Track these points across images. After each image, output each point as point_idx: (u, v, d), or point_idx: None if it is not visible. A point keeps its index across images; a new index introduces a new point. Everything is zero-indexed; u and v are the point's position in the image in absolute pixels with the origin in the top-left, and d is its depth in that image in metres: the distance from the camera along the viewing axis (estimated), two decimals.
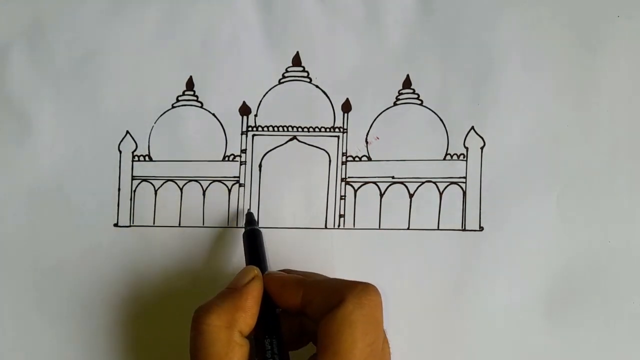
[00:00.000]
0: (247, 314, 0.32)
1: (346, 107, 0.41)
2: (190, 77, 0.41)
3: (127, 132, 0.41)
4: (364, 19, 0.41)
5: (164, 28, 0.41)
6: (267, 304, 0.33)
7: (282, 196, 0.41)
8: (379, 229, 0.40)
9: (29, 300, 0.41)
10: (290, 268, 0.37)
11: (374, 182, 0.40)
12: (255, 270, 0.34)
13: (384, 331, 0.33)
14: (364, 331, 0.30)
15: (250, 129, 0.41)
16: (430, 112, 0.40)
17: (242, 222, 0.40)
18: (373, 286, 0.31)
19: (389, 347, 0.33)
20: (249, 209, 0.40)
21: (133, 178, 0.41)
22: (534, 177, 0.40)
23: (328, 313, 0.30)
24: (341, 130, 0.41)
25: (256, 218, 0.40)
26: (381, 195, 0.40)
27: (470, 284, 0.39)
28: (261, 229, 0.39)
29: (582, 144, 0.40)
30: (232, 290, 0.33)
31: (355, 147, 0.41)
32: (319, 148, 0.41)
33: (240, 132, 0.41)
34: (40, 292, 0.41)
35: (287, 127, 0.41)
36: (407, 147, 0.40)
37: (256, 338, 0.33)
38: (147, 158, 0.41)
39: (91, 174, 0.41)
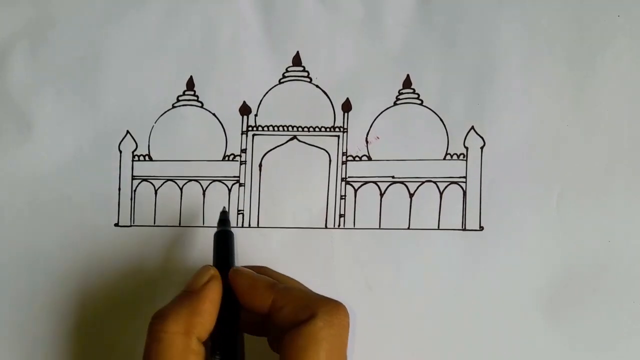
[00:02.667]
0: (205, 318, 0.31)
1: (346, 107, 0.41)
2: (191, 77, 0.41)
3: (128, 132, 0.41)
4: (364, 19, 0.41)
5: (164, 28, 0.41)
6: (229, 303, 0.32)
7: (282, 196, 0.41)
8: (379, 228, 0.40)
9: (28, 300, 0.41)
10: (269, 266, 0.36)
11: (374, 182, 0.40)
12: (212, 270, 0.33)
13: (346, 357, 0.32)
14: (330, 351, 0.29)
15: (250, 128, 0.41)
16: (430, 112, 0.40)
17: (241, 222, 0.40)
18: (344, 307, 0.31)
19: None
20: (224, 207, 0.38)
21: (133, 178, 0.41)
22: (534, 177, 0.40)
23: (297, 326, 0.30)
24: (341, 130, 0.41)
25: (254, 217, 0.40)
26: (381, 195, 0.40)
27: (470, 284, 0.39)
28: (234, 230, 0.37)
29: (582, 144, 0.40)
30: (189, 294, 0.32)
31: (355, 147, 0.41)
32: (319, 148, 0.41)
33: (240, 132, 0.41)
34: (40, 291, 0.41)
35: (287, 127, 0.41)
36: (407, 147, 0.40)
37: (212, 340, 0.32)
38: (147, 158, 0.41)
39: (91, 174, 0.41)
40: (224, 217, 0.37)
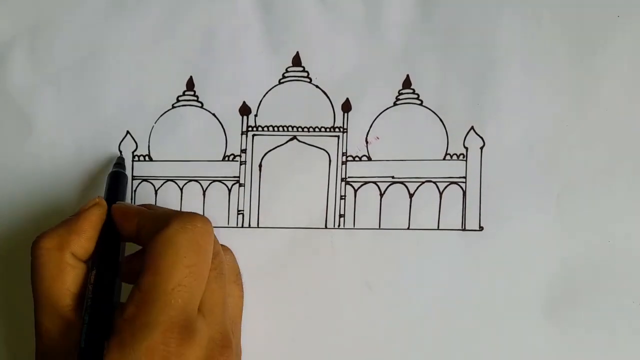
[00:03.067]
0: (82, 237, 0.33)
1: (346, 107, 0.41)
2: (191, 77, 0.41)
3: (127, 132, 0.41)
4: (364, 19, 0.41)
5: (164, 28, 0.41)
6: (112, 234, 0.34)
7: (282, 196, 0.41)
8: (379, 229, 0.40)
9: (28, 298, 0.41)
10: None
11: (374, 182, 0.40)
12: (98, 199, 0.35)
13: (233, 274, 0.36)
14: (185, 253, 0.30)
15: (250, 128, 0.41)
16: (430, 112, 0.40)
17: (241, 222, 0.40)
18: (202, 216, 0.32)
19: (239, 291, 0.37)
20: (121, 154, 0.41)
21: (133, 178, 0.41)
22: (534, 177, 0.40)
23: (154, 235, 0.31)
24: (341, 130, 0.41)
25: (254, 217, 0.40)
26: (381, 195, 0.40)
27: (470, 284, 0.39)
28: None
29: (582, 144, 0.40)
30: (71, 217, 0.34)
31: (355, 147, 0.41)
32: (319, 148, 0.41)
33: (240, 132, 0.41)
34: None
35: (287, 127, 0.41)
36: (407, 147, 0.40)
37: (92, 260, 0.33)
38: (147, 158, 0.41)
39: (91, 174, 0.41)
40: (119, 161, 0.40)
